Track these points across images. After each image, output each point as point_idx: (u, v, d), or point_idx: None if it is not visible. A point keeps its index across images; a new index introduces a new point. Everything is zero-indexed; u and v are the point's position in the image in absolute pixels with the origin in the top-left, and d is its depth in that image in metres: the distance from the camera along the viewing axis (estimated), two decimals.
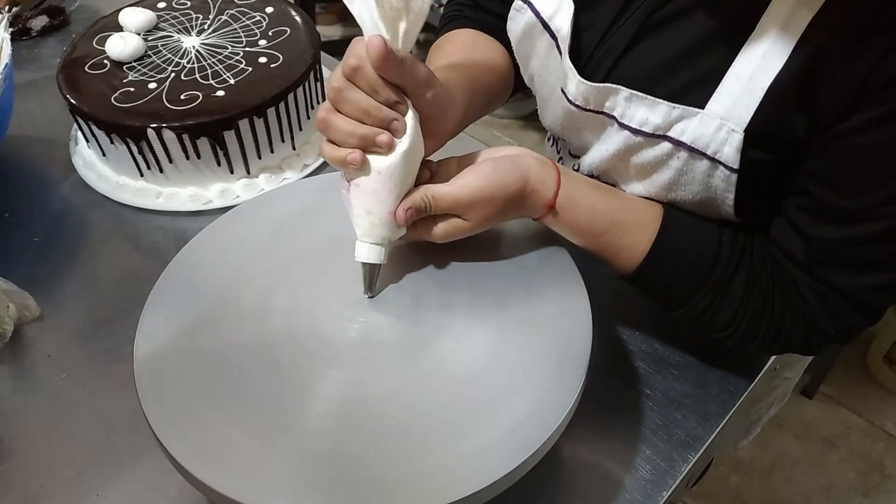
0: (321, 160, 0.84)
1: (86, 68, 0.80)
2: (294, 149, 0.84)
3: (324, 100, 0.88)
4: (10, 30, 0.87)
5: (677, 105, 0.53)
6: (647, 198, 0.60)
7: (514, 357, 0.50)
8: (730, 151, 0.52)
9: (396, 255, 0.58)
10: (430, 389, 0.49)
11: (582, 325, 0.52)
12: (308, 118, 0.84)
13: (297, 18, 0.87)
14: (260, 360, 0.51)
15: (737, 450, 1.01)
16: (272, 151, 0.81)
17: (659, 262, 0.57)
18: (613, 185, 0.62)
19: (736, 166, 0.52)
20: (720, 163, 0.53)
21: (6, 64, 0.76)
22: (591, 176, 0.64)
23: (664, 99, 0.53)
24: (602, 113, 0.58)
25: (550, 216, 0.56)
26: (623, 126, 0.56)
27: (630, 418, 0.60)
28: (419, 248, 0.58)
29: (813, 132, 0.50)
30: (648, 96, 0.54)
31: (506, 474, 0.43)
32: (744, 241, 0.57)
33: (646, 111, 0.54)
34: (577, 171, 0.66)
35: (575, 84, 0.58)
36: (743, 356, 0.65)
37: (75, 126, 0.86)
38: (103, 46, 0.81)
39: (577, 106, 0.59)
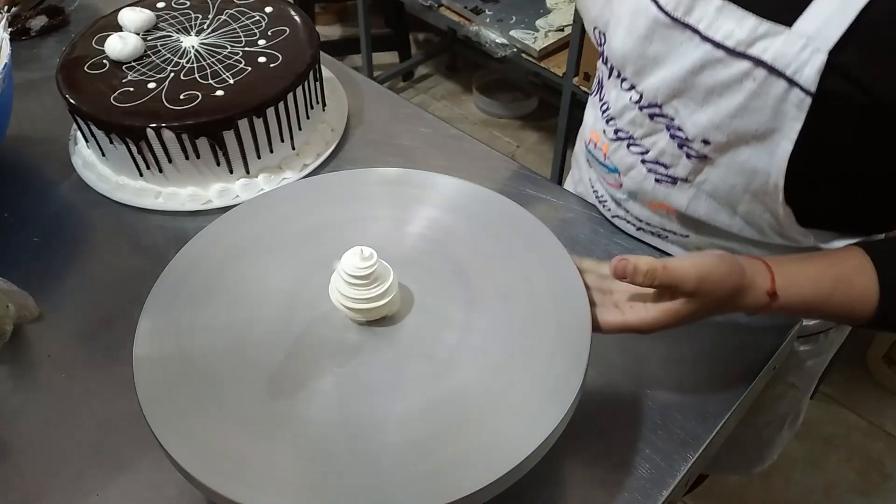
0: (320, 160, 0.84)
1: (85, 68, 0.80)
2: (293, 149, 0.84)
3: (323, 99, 0.89)
4: (10, 30, 0.87)
5: (765, 20, 0.52)
6: (707, 129, 0.59)
7: (513, 356, 0.51)
8: (810, 73, 0.51)
9: (395, 256, 0.57)
10: (429, 389, 0.49)
11: (581, 325, 0.52)
12: (308, 118, 0.84)
13: (297, 18, 0.87)
14: (259, 359, 0.51)
15: (750, 475, 0.98)
16: (271, 151, 0.81)
17: None
18: (673, 118, 0.61)
19: (813, 90, 0.51)
20: (797, 84, 0.52)
21: (5, 64, 0.76)
22: (653, 105, 0.63)
23: (754, 13, 0.53)
24: (687, 26, 0.57)
25: (775, 302, 0.54)
26: (705, 39, 0.56)
27: (629, 417, 0.60)
28: (418, 250, 0.58)
29: None
30: (739, 7, 0.53)
31: (505, 474, 0.43)
32: None
33: (733, 24, 0.54)
34: (639, 102, 0.64)
35: None
36: (742, 356, 0.65)
37: (74, 126, 0.86)
38: (102, 46, 0.81)
39: (665, 13, 0.58)
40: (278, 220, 0.61)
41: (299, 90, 0.80)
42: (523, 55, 1.76)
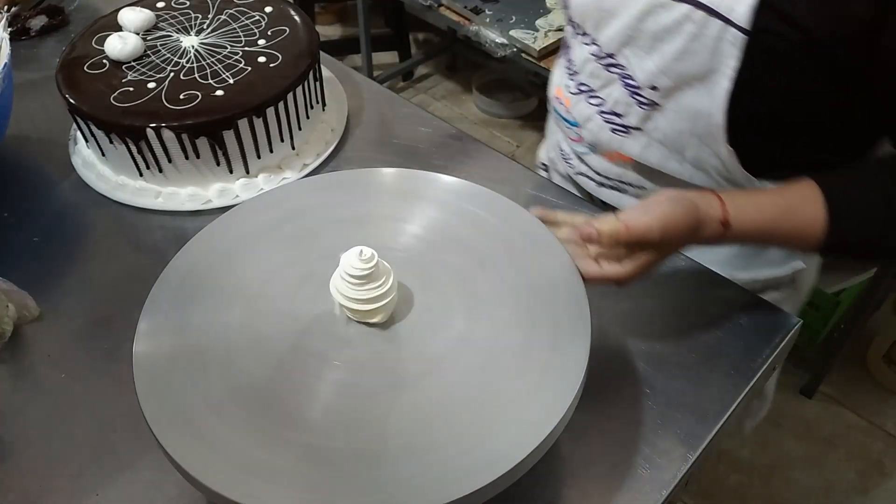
0: (320, 160, 0.84)
1: (85, 68, 0.80)
2: (293, 148, 0.84)
3: (323, 99, 0.89)
4: (10, 29, 0.87)
5: None
6: (655, 74, 0.63)
7: (513, 356, 0.51)
8: (743, 10, 0.54)
9: (395, 256, 0.58)
10: (429, 388, 0.49)
11: (581, 325, 0.52)
12: (307, 118, 0.84)
13: (297, 18, 0.87)
14: (259, 359, 0.51)
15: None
16: (271, 151, 0.81)
17: (843, 218, 0.57)
18: (624, 67, 0.65)
19: (746, 26, 0.55)
20: (732, 23, 0.55)
21: (5, 63, 0.76)
22: (608, 55, 0.67)
23: None
24: None
25: (729, 231, 0.56)
26: None
27: (630, 418, 0.60)
28: (418, 250, 0.58)
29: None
30: None
31: (505, 473, 0.43)
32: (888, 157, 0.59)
33: None
34: (595, 53, 0.68)
35: None
36: (741, 356, 0.65)
37: (74, 126, 0.86)
38: (102, 46, 0.81)
39: None
40: (278, 219, 0.61)
41: (299, 90, 0.80)
42: (523, 55, 1.76)
